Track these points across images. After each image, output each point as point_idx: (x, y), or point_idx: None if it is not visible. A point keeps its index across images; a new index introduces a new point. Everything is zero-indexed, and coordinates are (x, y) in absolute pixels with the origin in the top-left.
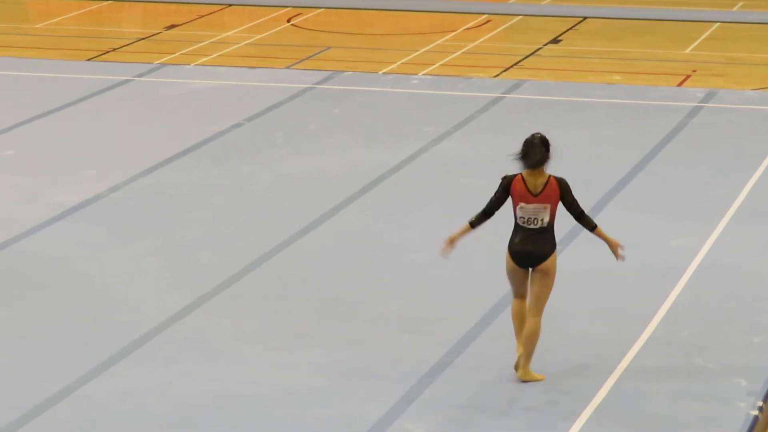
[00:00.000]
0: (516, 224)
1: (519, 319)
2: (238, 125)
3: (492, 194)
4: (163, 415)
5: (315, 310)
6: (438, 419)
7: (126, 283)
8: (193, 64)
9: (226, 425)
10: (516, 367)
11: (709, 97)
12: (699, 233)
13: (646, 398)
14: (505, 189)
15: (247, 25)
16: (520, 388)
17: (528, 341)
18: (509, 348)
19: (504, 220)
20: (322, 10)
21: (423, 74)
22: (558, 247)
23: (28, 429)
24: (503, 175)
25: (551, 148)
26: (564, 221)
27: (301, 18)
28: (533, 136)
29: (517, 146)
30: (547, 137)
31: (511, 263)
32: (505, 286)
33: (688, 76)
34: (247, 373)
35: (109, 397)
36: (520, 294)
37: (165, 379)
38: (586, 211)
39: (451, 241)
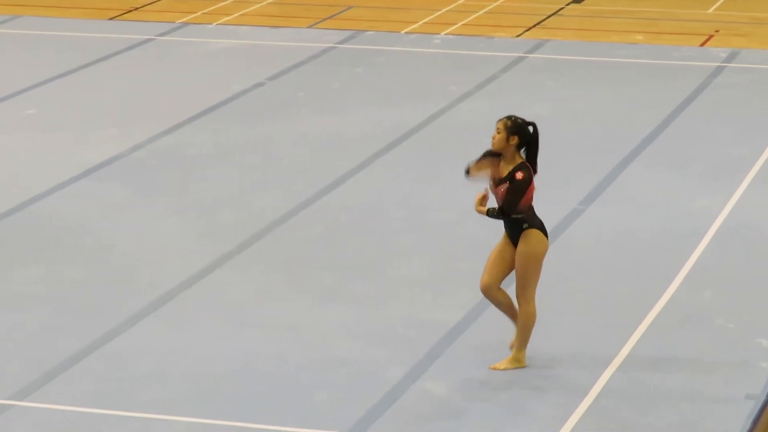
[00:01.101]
0: (531, 206)
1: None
2: (260, 85)
3: (520, 192)
4: (185, 374)
5: (338, 269)
6: (459, 379)
7: (148, 242)
8: (215, 24)
9: (248, 384)
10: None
11: (731, 57)
12: (721, 193)
13: (667, 359)
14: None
15: None
16: (542, 345)
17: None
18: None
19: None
20: None
21: (445, 34)
22: (578, 207)
23: (49, 387)
24: (524, 168)
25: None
26: (578, 184)
27: None
28: (535, 126)
29: (540, 107)
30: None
31: (548, 244)
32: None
33: (711, 36)
34: (269, 332)
35: (130, 357)
36: None
37: (187, 338)
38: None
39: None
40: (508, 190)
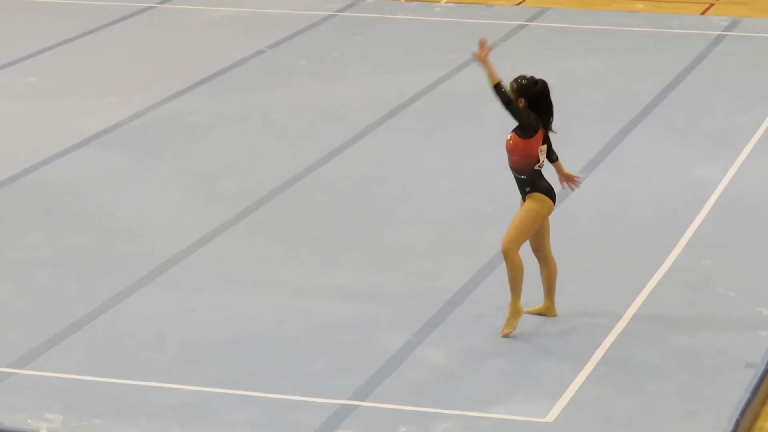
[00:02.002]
0: (536, 170)
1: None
2: (260, 52)
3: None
4: (185, 341)
5: (338, 236)
6: (459, 347)
7: (148, 209)
8: None
9: (248, 352)
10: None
11: (732, 25)
12: (722, 162)
13: (667, 326)
14: (536, 130)
15: None
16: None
17: (554, 279)
18: (531, 276)
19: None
20: None
21: (445, 2)
22: (579, 175)
23: (50, 354)
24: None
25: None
26: (578, 153)
27: None
28: (543, 84)
29: (540, 75)
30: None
31: (552, 206)
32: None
33: (712, 5)
34: (269, 300)
35: (130, 324)
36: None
37: (187, 306)
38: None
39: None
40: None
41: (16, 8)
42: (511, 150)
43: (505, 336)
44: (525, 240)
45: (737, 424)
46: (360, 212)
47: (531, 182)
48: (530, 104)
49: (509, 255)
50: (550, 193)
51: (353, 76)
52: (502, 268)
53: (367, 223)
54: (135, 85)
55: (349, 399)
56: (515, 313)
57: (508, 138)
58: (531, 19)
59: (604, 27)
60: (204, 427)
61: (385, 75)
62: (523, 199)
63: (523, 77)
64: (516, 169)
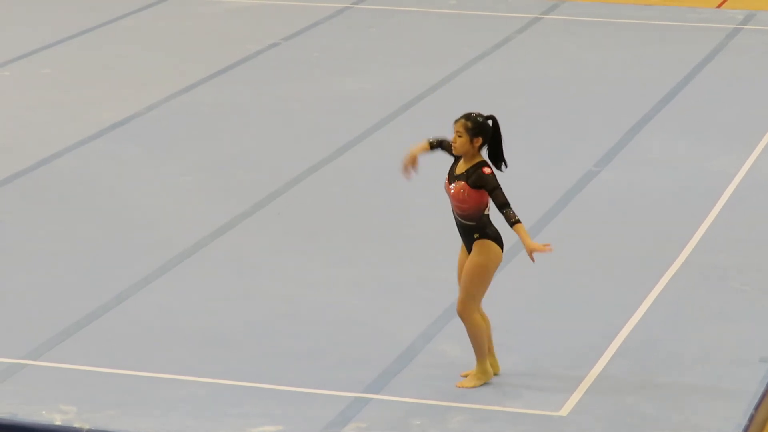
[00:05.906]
0: (485, 215)
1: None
2: (275, 45)
3: (498, 185)
4: (199, 332)
5: (353, 228)
6: None
7: (163, 201)
8: None
9: (262, 343)
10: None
11: (748, 18)
12: (738, 155)
13: (682, 320)
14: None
15: None
16: (561, 304)
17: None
18: (547, 268)
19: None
20: None
21: None
22: (594, 169)
23: (65, 345)
24: (487, 164)
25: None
26: (593, 146)
27: None
28: (495, 119)
29: (555, 68)
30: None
31: (501, 254)
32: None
33: None
34: (283, 291)
35: (145, 315)
36: None
37: (201, 298)
38: None
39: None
40: (493, 195)
41: (31, 0)
42: (462, 200)
43: (460, 387)
44: (481, 297)
45: (751, 418)
46: (374, 205)
47: (480, 229)
48: (485, 141)
49: (465, 318)
50: (498, 239)
51: (368, 69)
52: (518, 261)
53: (381, 215)
54: (149, 77)
55: (363, 392)
56: (481, 374)
57: (455, 186)
58: (546, 12)
59: (620, 20)
60: (217, 419)
61: (400, 68)
62: (468, 247)
63: (475, 115)
64: (464, 216)
